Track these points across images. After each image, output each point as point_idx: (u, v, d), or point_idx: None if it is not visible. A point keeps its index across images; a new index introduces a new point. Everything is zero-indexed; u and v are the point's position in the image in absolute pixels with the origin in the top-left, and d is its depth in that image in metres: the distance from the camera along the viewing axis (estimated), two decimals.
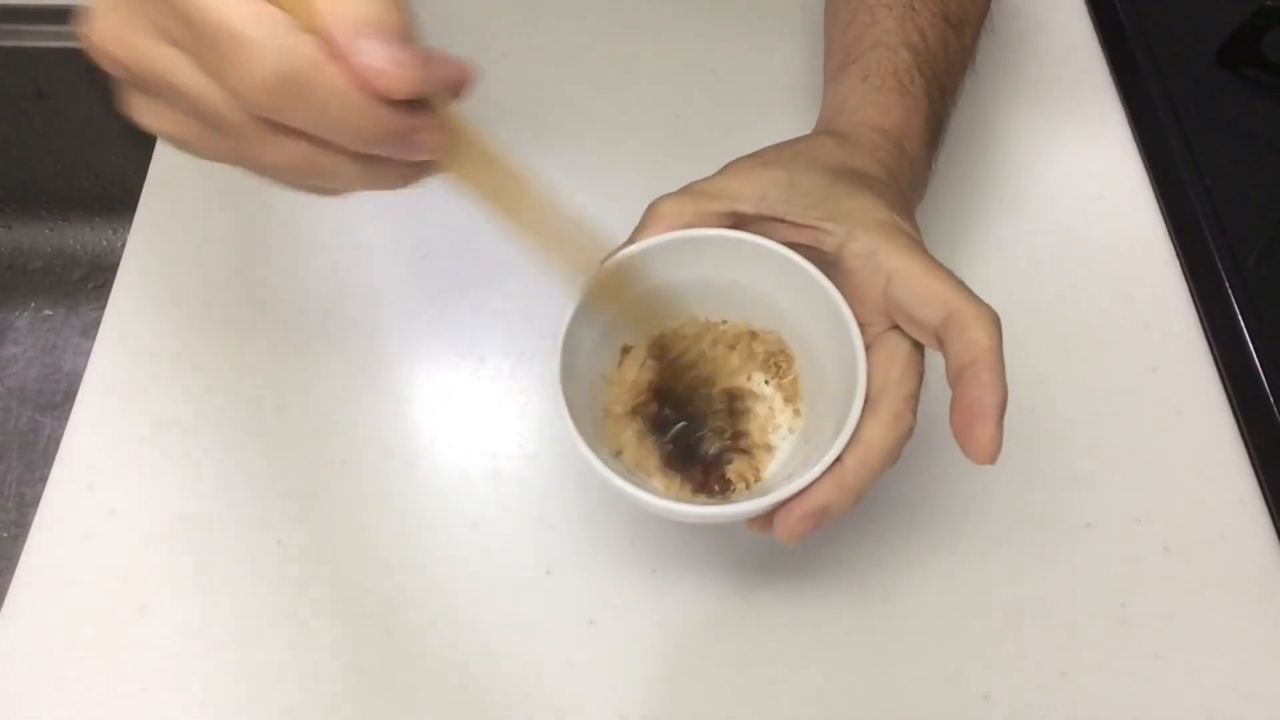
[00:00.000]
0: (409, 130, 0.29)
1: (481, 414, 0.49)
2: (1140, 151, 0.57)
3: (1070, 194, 0.56)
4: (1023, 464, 0.47)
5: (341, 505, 0.46)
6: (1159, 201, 0.55)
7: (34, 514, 0.45)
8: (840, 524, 0.45)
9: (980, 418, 0.34)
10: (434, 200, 0.55)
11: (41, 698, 0.42)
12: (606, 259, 0.38)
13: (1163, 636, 0.43)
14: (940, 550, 0.45)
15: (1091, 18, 0.63)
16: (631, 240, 0.40)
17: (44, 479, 0.46)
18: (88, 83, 0.68)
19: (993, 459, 0.34)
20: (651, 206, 0.41)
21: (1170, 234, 0.54)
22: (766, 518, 0.37)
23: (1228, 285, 0.51)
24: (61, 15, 0.65)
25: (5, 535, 0.66)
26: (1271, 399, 0.47)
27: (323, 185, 0.30)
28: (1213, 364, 0.50)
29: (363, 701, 0.42)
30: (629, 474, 0.38)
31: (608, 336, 0.41)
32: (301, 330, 0.51)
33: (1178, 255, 0.54)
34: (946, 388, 0.49)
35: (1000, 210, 0.55)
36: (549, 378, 0.38)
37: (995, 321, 0.35)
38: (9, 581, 0.44)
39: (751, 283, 0.41)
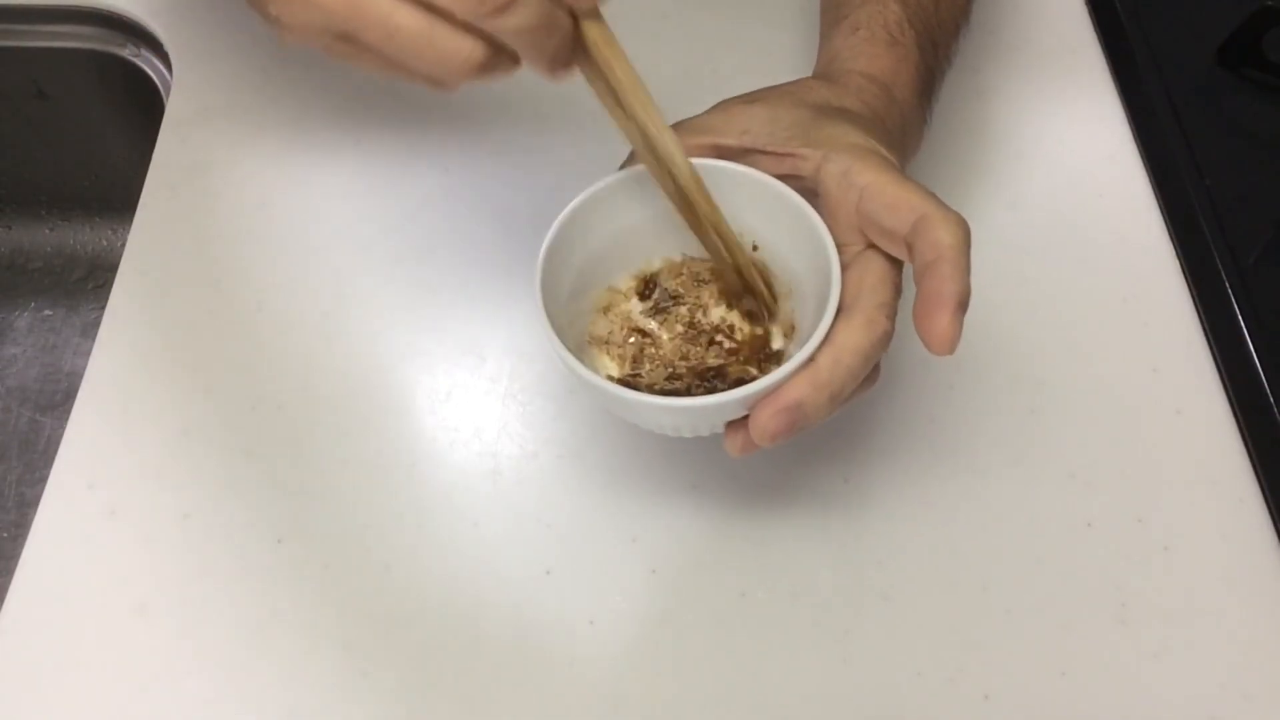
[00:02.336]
0: None
1: (481, 414, 0.49)
2: (1140, 151, 0.57)
3: (1070, 193, 0.56)
4: (1023, 464, 0.47)
5: (341, 505, 0.46)
6: (1159, 201, 0.55)
7: (34, 514, 0.45)
8: (840, 522, 0.46)
9: (938, 307, 0.35)
10: (434, 200, 0.55)
11: (41, 698, 0.42)
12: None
13: (1163, 636, 0.43)
14: (940, 549, 0.45)
15: (1091, 18, 0.63)
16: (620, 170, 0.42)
17: (44, 479, 0.46)
18: (88, 83, 0.68)
19: (950, 348, 0.35)
20: None
21: (1170, 234, 0.54)
22: (745, 432, 0.37)
23: (1228, 285, 0.51)
24: (61, 15, 0.65)
25: (5, 535, 0.66)
26: (1271, 399, 0.47)
27: (503, 18, 0.31)
28: (1213, 364, 0.50)
29: (362, 701, 0.42)
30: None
31: (589, 272, 0.43)
32: (301, 330, 0.51)
33: (1178, 255, 0.54)
34: (936, 387, 0.49)
35: (999, 209, 0.55)
36: (538, 322, 0.38)
37: (962, 224, 0.36)
38: (9, 581, 0.44)
39: (732, 210, 0.42)
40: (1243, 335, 0.50)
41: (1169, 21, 0.61)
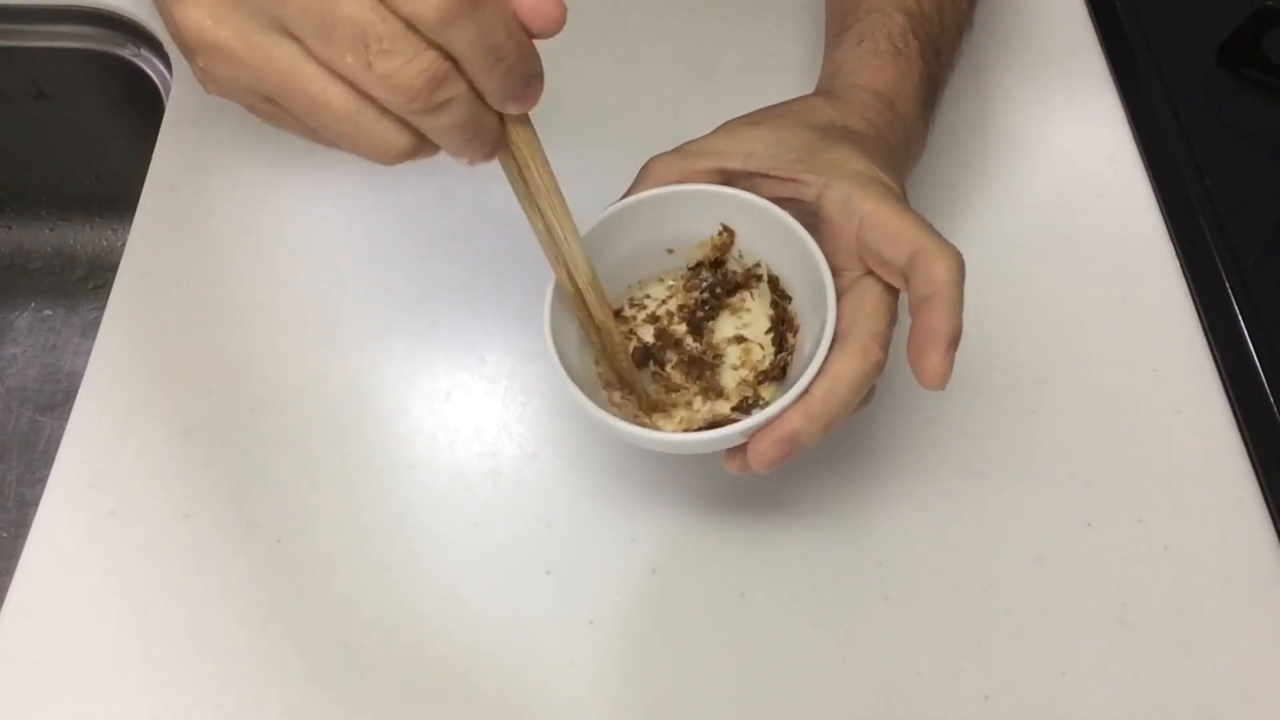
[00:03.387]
0: (535, 70, 0.32)
1: (481, 414, 0.49)
2: (1140, 151, 0.57)
3: (1070, 194, 0.56)
4: (1023, 464, 0.47)
5: (341, 505, 0.46)
6: (1159, 201, 0.55)
7: (34, 514, 0.45)
8: (840, 522, 0.46)
9: (932, 345, 0.36)
10: (434, 200, 0.55)
11: (41, 698, 0.42)
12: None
13: (1163, 636, 0.43)
14: (941, 550, 0.45)
15: (1091, 18, 0.63)
16: (625, 196, 0.43)
17: (44, 479, 0.46)
18: (88, 83, 0.68)
19: (941, 384, 0.36)
20: (645, 165, 0.43)
21: (1170, 234, 0.54)
22: (744, 455, 0.38)
23: (1228, 285, 0.51)
24: (61, 15, 0.65)
25: (5, 535, 0.66)
26: (1271, 399, 0.48)
27: (431, 117, 0.31)
28: (1213, 364, 0.50)
29: (363, 701, 0.42)
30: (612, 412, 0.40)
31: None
32: (301, 330, 0.51)
33: (1178, 255, 0.54)
34: (928, 415, 0.49)
35: (1000, 210, 0.55)
36: (546, 356, 0.39)
37: (957, 259, 0.37)
38: (9, 581, 0.44)
39: (736, 236, 0.43)
40: (1243, 335, 0.50)
41: (1169, 21, 0.61)
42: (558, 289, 0.40)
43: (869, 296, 0.39)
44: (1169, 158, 0.56)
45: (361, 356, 0.50)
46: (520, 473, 0.47)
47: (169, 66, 0.62)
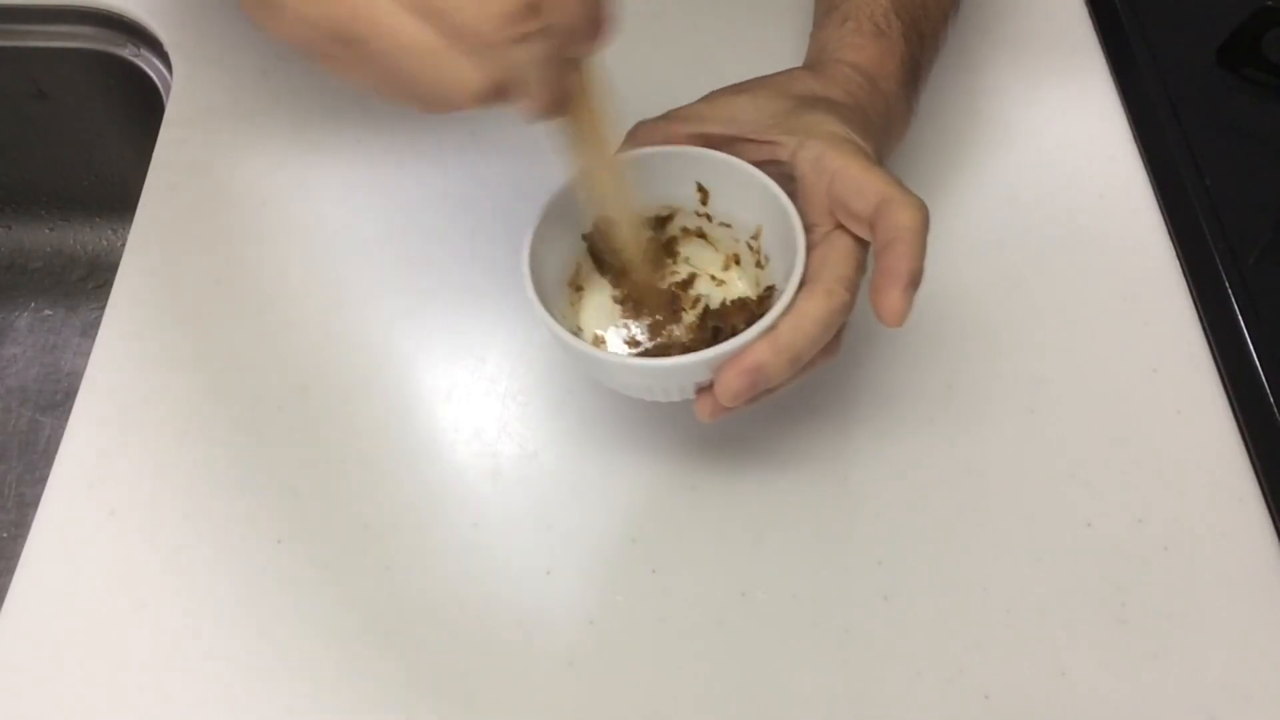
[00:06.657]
0: (610, 8, 0.32)
1: (481, 414, 0.49)
2: (1140, 151, 0.57)
3: (1070, 194, 0.56)
4: (1023, 464, 0.47)
5: (341, 505, 0.46)
6: (1159, 201, 0.55)
7: (34, 514, 0.45)
8: (840, 522, 0.46)
9: (892, 282, 0.37)
10: (434, 200, 0.55)
11: (41, 698, 0.42)
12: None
13: (1163, 636, 0.43)
14: (940, 549, 0.45)
15: (1091, 18, 0.63)
16: None
17: (44, 479, 0.46)
18: (88, 83, 0.68)
19: (899, 320, 0.37)
20: (631, 129, 0.45)
21: (1170, 234, 0.54)
22: (713, 397, 0.39)
23: (1228, 285, 0.51)
24: (61, 15, 0.65)
25: (5, 535, 0.66)
26: (1271, 399, 0.47)
27: (516, 49, 0.30)
28: (1213, 364, 0.50)
29: (362, 701, 0.42)
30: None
31: (572, 252, 0.45)
32: (302, 330, 0.51)
33: (1178, 255, 0.54)
34: (935, 387, 0.49)
35: (999, 209, 0.55)
36: (534, 316, 0.40)
37: (922, 208, 0.38)
38: (9, 581, 0.44)
39: (712, 193, 0.45)
40: (1243, 335, 0.50)
41: (1169, 21, 0.61)
42: (556, 200, 0.42)
43: (837, 246, 0.40)
44: (1169, 158, 0.56)
45: (361, 356, 0.50)
46: (520, 473, 0.47)
47: (169, 66, 0.62)
